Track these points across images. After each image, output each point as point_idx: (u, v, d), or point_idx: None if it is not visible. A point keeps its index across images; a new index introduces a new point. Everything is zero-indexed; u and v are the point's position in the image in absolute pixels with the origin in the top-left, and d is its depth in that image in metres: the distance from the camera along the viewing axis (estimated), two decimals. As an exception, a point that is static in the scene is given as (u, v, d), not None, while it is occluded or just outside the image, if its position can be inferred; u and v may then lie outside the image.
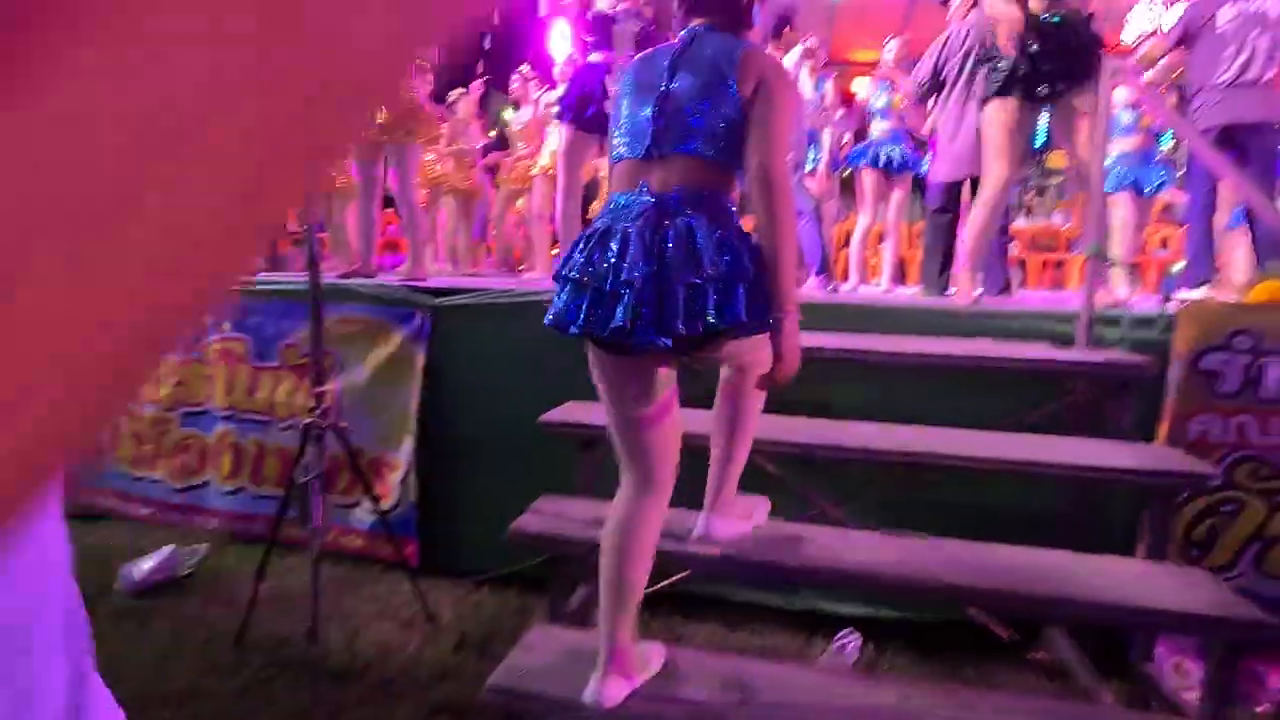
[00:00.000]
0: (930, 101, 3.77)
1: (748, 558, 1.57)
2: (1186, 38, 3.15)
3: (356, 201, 5.83)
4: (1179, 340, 2.07)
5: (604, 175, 5.27)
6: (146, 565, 2.38)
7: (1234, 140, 3.01)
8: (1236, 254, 3.79)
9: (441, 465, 2.59)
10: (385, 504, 2.53)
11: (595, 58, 3.10)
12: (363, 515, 2.60)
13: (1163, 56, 3.28)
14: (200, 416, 2.87)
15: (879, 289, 4.38)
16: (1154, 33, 3.98)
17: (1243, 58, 2.96)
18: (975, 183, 3.21)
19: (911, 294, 3.99)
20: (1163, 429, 2.08)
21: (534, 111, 5.08)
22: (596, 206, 6.00)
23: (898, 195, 4.25)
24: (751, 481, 2.17)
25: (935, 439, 1.82)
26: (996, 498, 2.11)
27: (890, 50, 4.26)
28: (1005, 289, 3.48)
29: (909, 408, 2.10)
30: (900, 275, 6.73)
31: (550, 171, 4.79)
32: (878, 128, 4.26)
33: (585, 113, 3.05)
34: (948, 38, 3.57)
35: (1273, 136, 2.98)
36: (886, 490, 2.14)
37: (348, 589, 2.38)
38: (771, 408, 1.61)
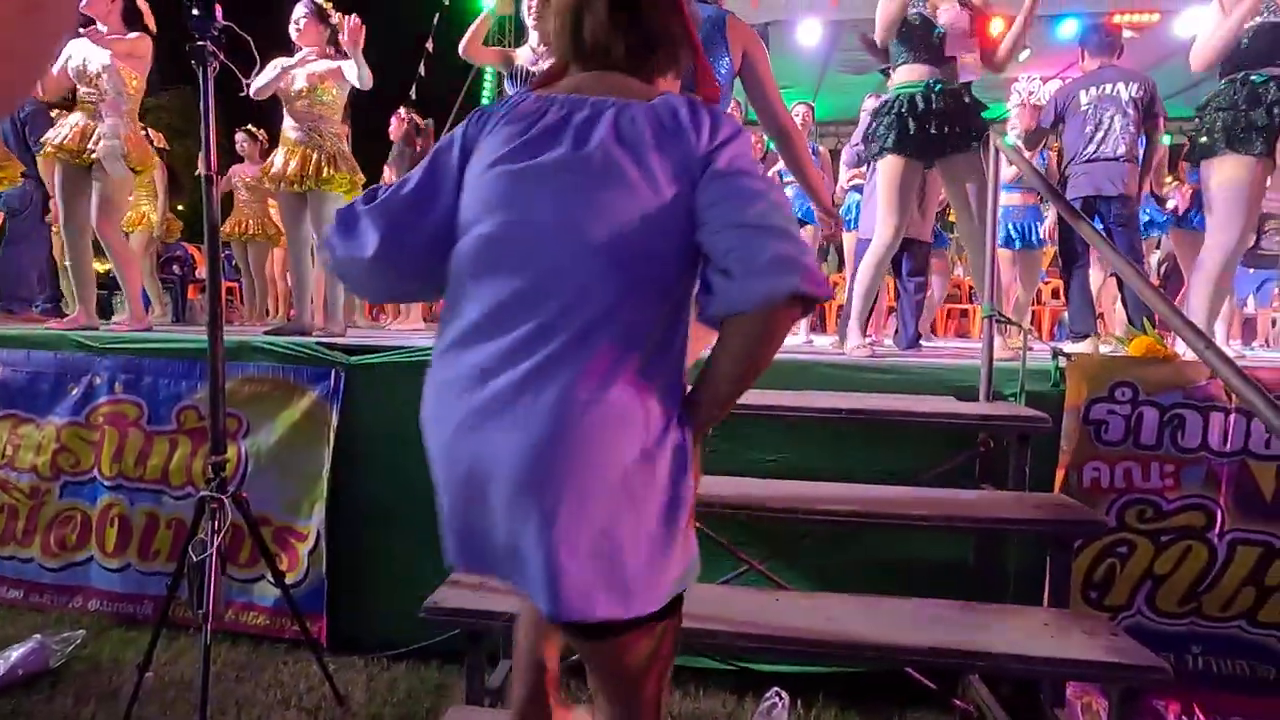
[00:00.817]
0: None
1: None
2: (1058, 117, 3.49)
3: (278, 251, 5.64)
4: (1069, 392, 2.22)
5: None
6: (11, 656, 2.12)
7: (1095, 209, 3.33)
8: (1115, 307, 4.13)
9: (355, 533, 2.46)
10: (292, 577, 2.37)
11: None
12: (265, 590, 2.42)
13: (1038, 133, 3.61)
14: (84, 486, 2.62)
15: (798, 338, 4.55)
16: (1023, 104, 4.38)
17: (1100, 135, 3.31)
18: (905, 242, 3.41)
19: (830, 342, 4.15)
20: (1059, 477, 2.21)
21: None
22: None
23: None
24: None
25: (856, 495, 1.87)
26: (913, 550, 2.18)
27: (794, 116, 4.51)
28: (915, 343, 3.67)
29: (826, 463, 2.16)
30: (820, 324, 7.00)
31: None
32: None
33: None
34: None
35: (1130, 205, 3.32)
36: (811, 546, 2.17)
37: (248, 674, 2.20)
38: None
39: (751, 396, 2.11)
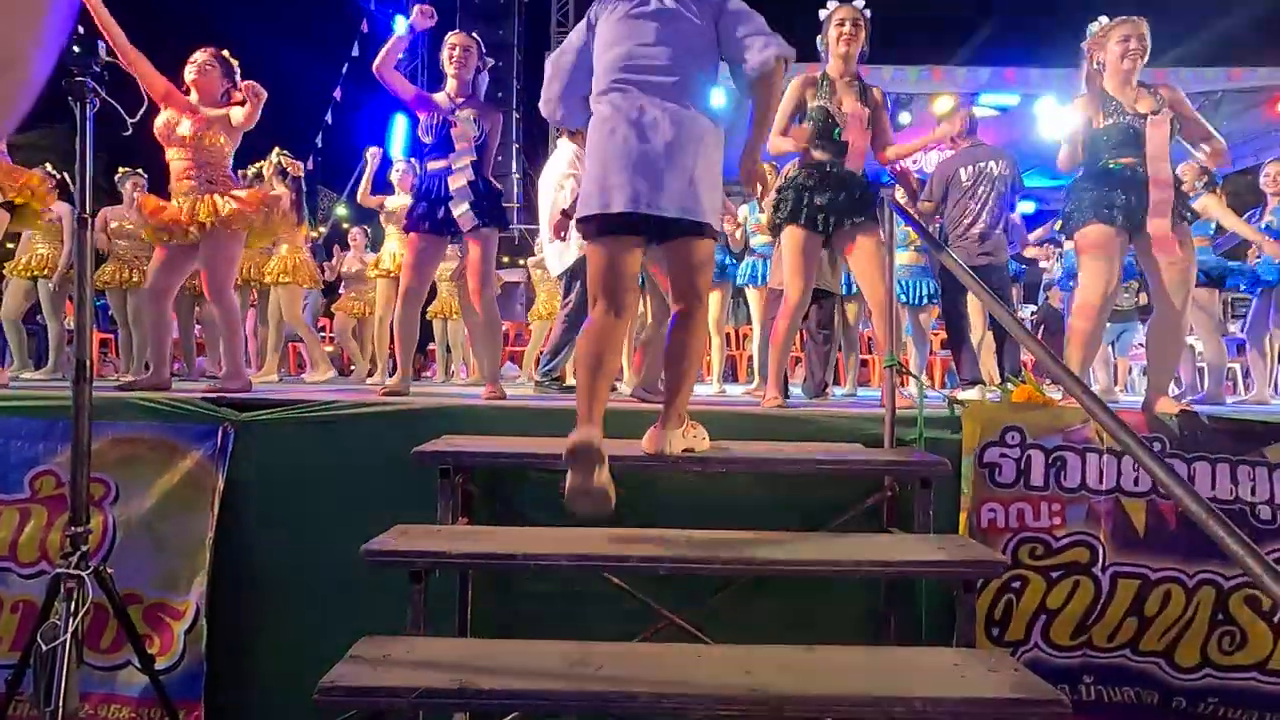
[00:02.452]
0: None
1: (589, 690, 1.47)
2: (946, 191, 3.80)
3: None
4: (965, 437, 2.36)
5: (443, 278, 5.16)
6: None
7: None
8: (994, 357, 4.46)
9: (241, 608, 2.24)
10: (165, 661, 2.12)
11: (436, 165, 3.11)
12: (132, 678, 2.14)
13: (932, 207, 3.92)
14: (-93, 568, 2.27)
15: (711, 389, 4.62)
16: (904, 171, 4.76)
17: (976, 209, 3.66)
18: (815, 295, 3.55)
19: (742, 391, 4.24)
20: (962, 518, 2.32)
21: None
22: (434, 308, 5.86)
23: (715, 299, 4.55)
24: (597, 599, 2.10)
25: (773, 543, 1.87)
26: (830, 596, 2.22)
27: None
28: (822, 391, 3.81)
29: (743, 512, 2.17)
30: (733, 373, 7.17)
31: (393, 274, 4.66)
32: None
33: (438, 216, 3.06)
34: None
35: (1000, 272, 3.66)
36: (729, 596, 2.16)
37: (104, 779, 1.92)
38: (609, 520, 1.58)
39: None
